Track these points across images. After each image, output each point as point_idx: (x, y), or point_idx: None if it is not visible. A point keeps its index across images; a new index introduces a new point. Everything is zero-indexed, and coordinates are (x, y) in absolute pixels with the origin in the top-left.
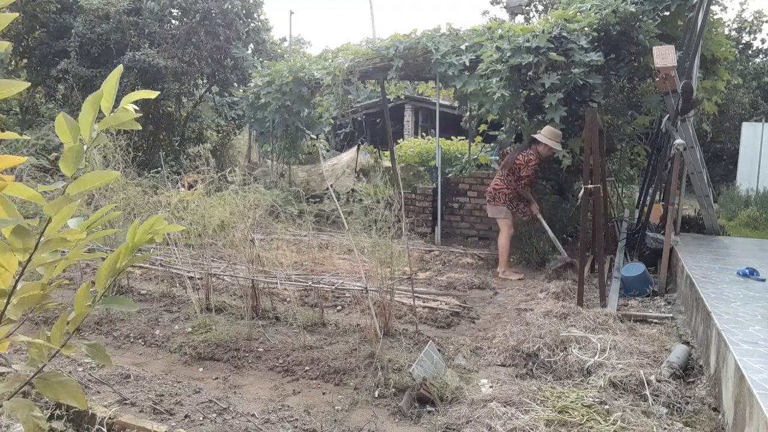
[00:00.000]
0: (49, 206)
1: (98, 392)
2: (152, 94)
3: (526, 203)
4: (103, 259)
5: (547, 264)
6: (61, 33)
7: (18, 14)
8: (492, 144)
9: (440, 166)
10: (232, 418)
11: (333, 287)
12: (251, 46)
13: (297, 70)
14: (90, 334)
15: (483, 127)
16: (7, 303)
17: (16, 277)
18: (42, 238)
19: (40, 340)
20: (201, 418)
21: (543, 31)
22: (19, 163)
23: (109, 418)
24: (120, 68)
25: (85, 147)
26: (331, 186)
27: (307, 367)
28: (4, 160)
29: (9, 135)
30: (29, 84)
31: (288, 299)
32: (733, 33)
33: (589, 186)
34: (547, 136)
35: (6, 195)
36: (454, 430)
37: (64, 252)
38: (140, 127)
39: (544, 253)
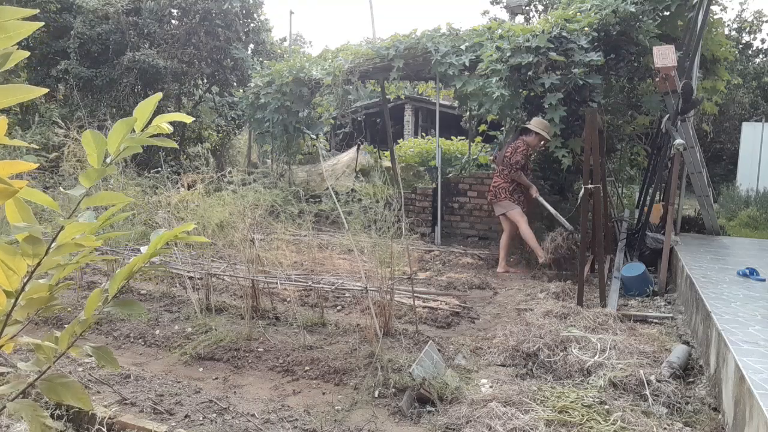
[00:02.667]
0: (65, 221)
1: (98, 392)
2: (188, 119)
3: (526, 194)
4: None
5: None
6: (60, 33)
7: (43, 23)
8: (492, 144)
9: (440, 166)
10: (232, 418)
11: (333, 287)
12: (251, 46)
13: (297, 70)
14: (90, 333)
15: (483, 127)
16: (14, 305)
17: (25, 280)
18: (54, 244)
19: (49, 343)
20: (201, 418)
21: (543, 31)
22: (30, 169)
23: (109, 418)
24: (159, 95)
25: (108, 159)
26: (331, 186)
27: (307, 367)
28: (15, 165)
29: (18, 143)
30: (47, 90)
31: (288, 299)
32: (733, 33)
33: (589, 186)
34: (536, 126)
35: (21, 198)
36: (454, 430)
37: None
38: (176, 146)
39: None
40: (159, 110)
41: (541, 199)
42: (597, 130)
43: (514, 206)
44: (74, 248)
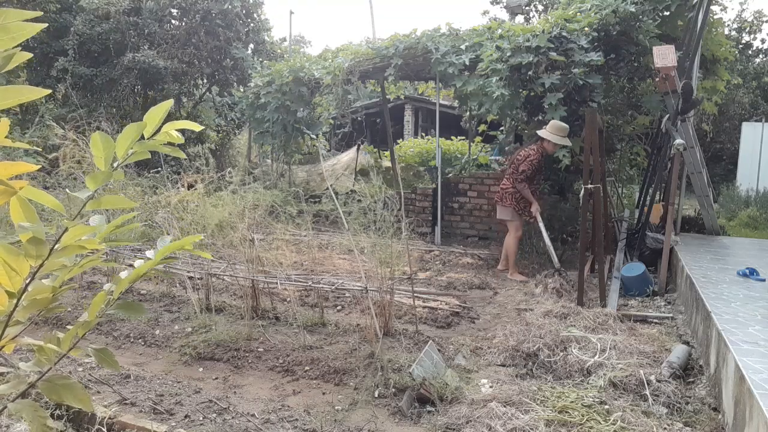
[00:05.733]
0: (69, 222)
1: (98, 392)
2: (197, 127)
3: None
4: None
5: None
6: (60, 32)
7: (45, 24)
8: (492, 144)
9: (440, 166)
10: (232, 418)
11: (333, 287)
12: (251, 46)
13: (297, 70)
14: (90, 333)
15: (483, 127)
16: (16, 305)
17: (27, 281)
18: (57, 245)
19: (51, 345)
20: (201, 418)
21: (543, 31)
22: (32, 170)
23: (109, 418)
24: (170, 102)
25: (115, 164)
26: (331, 186)
27: (307, 367)
28: (17, 166)
29: (20, 144)
30: (49, 91)
31: (288, 299)
32: (733, 33)
33: (589, 186)
34: (551, 131)
35: (26, 198)
36: (454, 430)
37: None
38: (184, 156)
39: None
40: None
41: (540, 221)
42: (597, 130)
43: (516, 217)
44: (78, 250)
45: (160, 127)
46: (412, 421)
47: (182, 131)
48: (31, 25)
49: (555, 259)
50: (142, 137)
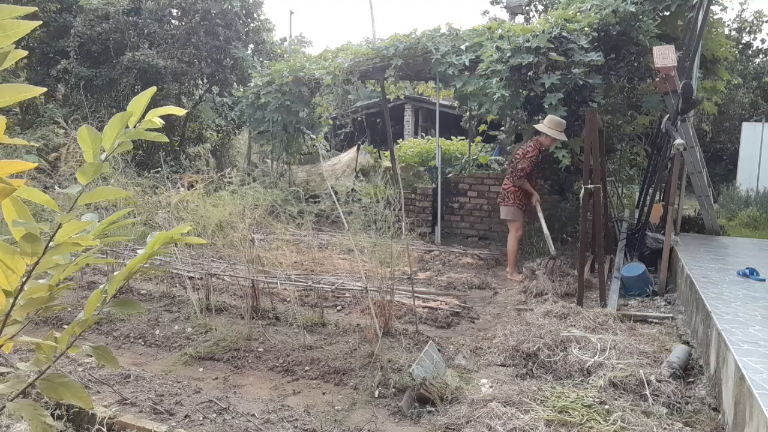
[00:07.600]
0: (63, 217)
1: (98, 392)
2: (180, 111)
3: (528, 200)
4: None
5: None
6: (60, 33)
7: (41, 23)
8: (492, 144)
9: (440, 166)
10: (232, 418)
11: (333, 287)
12: (251, 46)
13: (297, 69)
14: (90, 333)
15: (483, 127)
16: (13, 304)
17: (24, 279)
18: (52, 242)
19: (49, 342)
20: (201, 418)
21: (543, 31)
22: (29, 168)
23: (109, 418)
24: (153, 89)
25: (103, 156)
26: (331, 186)
27: (307, 367)
28: (14, 164)
29: (18, 141)
30: (45, 89)
31: (288, 299)
32: (733, 33)
33: (589, 186)
34: (548, 125)
35: (19, 197)
36: (454, 430)
37: (75, 254)
38: (167, 140)
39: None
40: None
41: (539, 210)
42: (597, 130)
43: (517, 217)
44: (73, 247)
45: (145, 116)
46: (412, 421)
47: (182, 131)
48: (26, 23)
49: (551, 246)
50: (128, 127)
